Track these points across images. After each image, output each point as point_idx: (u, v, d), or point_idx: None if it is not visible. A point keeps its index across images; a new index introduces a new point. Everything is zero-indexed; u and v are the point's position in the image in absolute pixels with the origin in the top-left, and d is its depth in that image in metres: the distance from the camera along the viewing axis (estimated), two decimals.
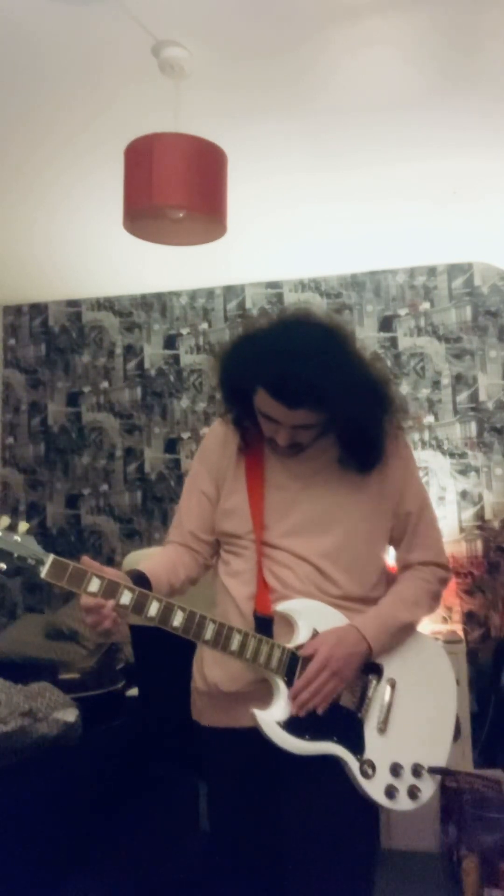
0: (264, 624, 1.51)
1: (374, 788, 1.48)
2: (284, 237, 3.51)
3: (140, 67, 2.15)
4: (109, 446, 4.42)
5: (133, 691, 2.88)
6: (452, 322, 3.91)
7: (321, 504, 1.57)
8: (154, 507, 4.31)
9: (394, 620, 1.55)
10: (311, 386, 1.41)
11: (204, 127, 2.14)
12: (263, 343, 1.50)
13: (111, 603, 1.37)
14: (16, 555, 1.33)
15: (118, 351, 4.44)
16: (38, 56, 2.14)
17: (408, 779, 1.52)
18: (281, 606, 1.51)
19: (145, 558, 2.30)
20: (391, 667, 1.56)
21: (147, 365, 4.39)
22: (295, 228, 3.39)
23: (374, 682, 1.54)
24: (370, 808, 1.51)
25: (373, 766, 1.48)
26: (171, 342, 4.35)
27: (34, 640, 3.78)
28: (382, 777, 1.50)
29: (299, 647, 1.48)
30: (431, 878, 2.70)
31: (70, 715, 2.56)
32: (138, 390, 4.39)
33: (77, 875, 2.48)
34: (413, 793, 1.52)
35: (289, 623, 1.51)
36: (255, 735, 1.46)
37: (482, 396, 3.86)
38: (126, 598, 1.39)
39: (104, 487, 4.40)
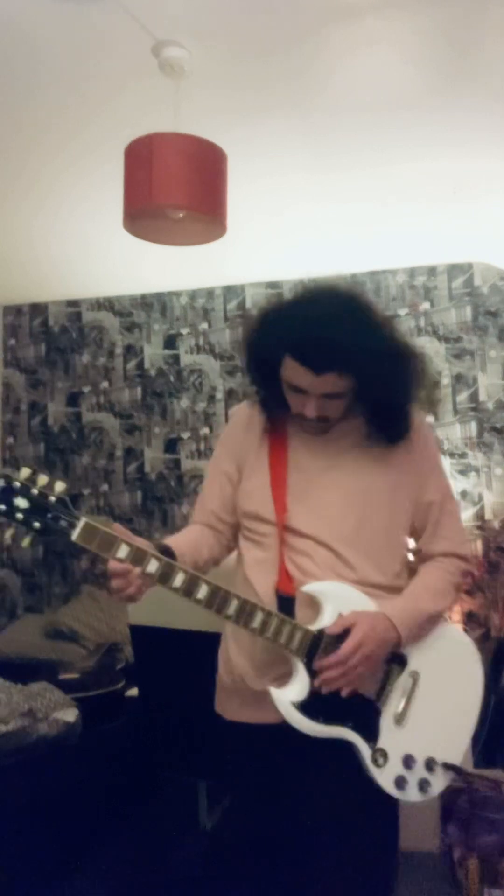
0: (286, 604, 1.50)
1: (383, 777, 1.49)
2: (284, 237, 3.51)
3: (140, 67, 2.15)
4: (109, 446, 4.42)
5: (133, 691, 2.88)
6: (452, 322, 3.91)
7: (342, 488, 1.56)
8: (154, 507, 4.31)
9: (421, 611, 1.54)
10: (337, 348, 1.41)
11: (204, 127, 2.14)
12: (287, 312, 1.51)
13: (138, 570, 1.39)
14: (50, 514, 1.34)
15: (118, 351, 4.44)
16: (38, 56, 2.14)
17: (419, 772, 1.52)
18: (308, 587, 1.49)
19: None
20: (416, 659, 1.56)
21: (147, 365, 4.39)
22: (295, 228, 3.39)
23: (396, 672, 1.54)
24: (390, 806, 1.51)
25: (385, 756, 1.49)
26: (171, 342, 4.35)
27: (34, 640, 3.79)
28: (393, 767, 1.50)
29: (322, 630, 1.47)
30: (431, 878, 2.70)
31: (70, 715, 2.56)
32: (138, 390, 4.39)
33: (77, 875, 2.48)
34: (423, 786, 1.53)
35: (313, 605, 1.50)
36: (279, 731, 1.46)
37: (482, 396, 3.86)
38: (153, 566, 1.40)
39: (104, 487, 4.40)
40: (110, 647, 3.53)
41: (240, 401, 4.15)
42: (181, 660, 2.28)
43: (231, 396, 4.22)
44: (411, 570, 1.65)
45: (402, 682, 1.54)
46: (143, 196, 2.08)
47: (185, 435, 4.29)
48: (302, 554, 1.54)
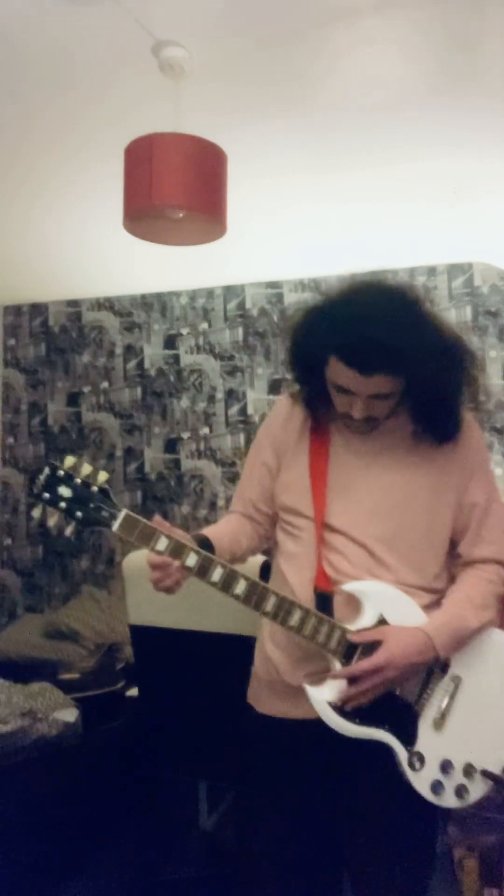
0: (324, 601, 1.47)
1: (419, 781, 1.46)
2: (284, 237, 3.51)
3: (140, 67, 2.15)
4: (109, 446, 4.42)
5: (133, 691, 2.88)
6: (452, 322, 3.91)
7: (382, 487, 1.52)
8: (154, 507, 4.30)
9: (465, 627, 1.50)
10: (385, 349, 1.35)
11: (204, 126, 2.14)
12: (333, 310, 1.45)
13: (177, 563, 1.39)
14: (92, 504, 1.36)
15: (118, 351, 4.44)
16: (37, 56, 2.14)
17: (457, 777, 1.49)
18: (348, 586, 1.47)
19: (146, 558, 2.30)
20: (459, 665, 1.52)
21: (147, 365, 4.39)
22: (295, 228, 3.39)
23: (438, 676, 1.50)
24: (427, 805, 1.48)
25: (422, 759, 1.46)
26: (171, 342, 4.35)
27: (34, 640, 3.79)
28: (430, 771, 1.47)
29: (361, 630, 1.45)
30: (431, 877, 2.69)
31: (70, 715, 2.56)
32: (138, 390, 4.39)
33: (77, 875, 2.48)
34: (460, 792, 1.49)
35: (353, 604, 1.47)
36: (315, 727, 1.44)
37: (482, 396, 3.85)
38: (192, 560, 1.40)
39: None
40: (110, 647, 3.53)
41: (239, 401, 4.18)
42: (181, 660, 2.28)
43: (231, 396, 4.22)
44: (451, 574, 1.60)
45: (444, 686, 1.51)
46: (142, 196, 2.08)
47: (185, 435, 4.29)
48: (336, 552, 1.51)
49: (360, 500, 1.52)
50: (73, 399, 4.51)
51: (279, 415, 1.66)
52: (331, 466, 1.55)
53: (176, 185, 2.06)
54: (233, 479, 4.18)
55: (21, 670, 3.19)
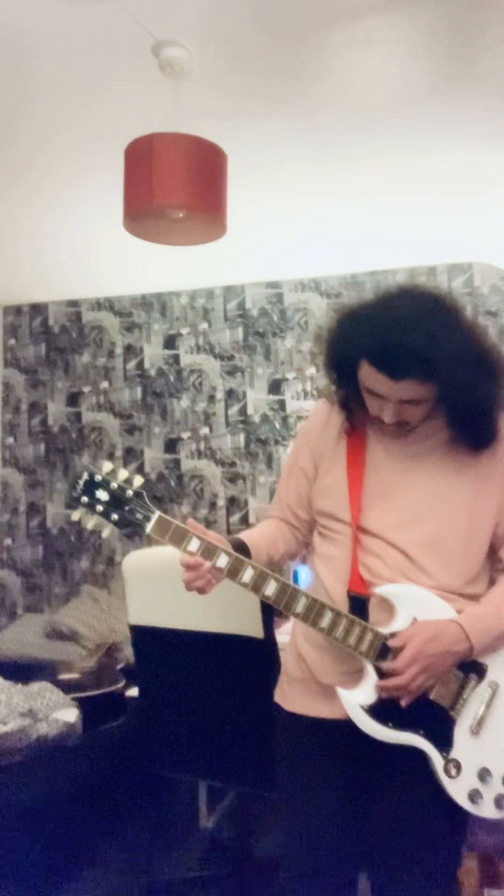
0: (358, 604, 1.47)
1: (456, 789, 1.43)
2: (284, 237, 3.51)
3: (140, 67, 2.15)
4: (109, 446, 4.42)
5: (133, 691, 2.88)
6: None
7: (421, 491, 1.51)
8: (154, 507, 4.30)
9: (500, 621, 1.48)
10: (415, 354, 1.35)
11: (204, 127, 2.14)
12: (366, 315, 1.45)
13: (208, 564, 1.41)
14: (128, 507, 1.42)
15: (118, 351, 4.44)
16: (37, 56, 2.14)
17: (496, 787, 1.46)
18: (381, 589, 1.46)
19: (145, 558, 2.31)
20: (497, 670, 1.49)
21: (147, 365, 4.39)
22: (295, 228, 3.39)
23: (474, 681, 1.48)
24: (456, 810, 1.45)
25: (458, 767, 1.43)
26: (171, 342, 4.35)
27: (34, 640, 3.79)
28: (468, 780, 1.44)
29: (394, 633, 1.44)
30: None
31: (70, 715, 2.57)
32: (138, 390, 4.39)
33: (77, 875, 2.48)
34: (500, 802, 1.46)
35: (388, 607, 1.46)
36: (338, 727, 1.44)
37: None
38: (223, 561, 1.42)
39: None
40: (110, 647, 3.53)
41: (239, 401, 4.18)
42: (181, 660, 2.28)
43: (231, 396, 4.22)
44: (491, 581, 1.58)
45: (481, 692, 1.48)
46: (143, 196, 2.08)
47: (185, 435, 4.29)
48: (373, 555, 1.50)
49: (398, 504, 1.51)
50: (73, 399, 4.51)
51: (317, 419, 1.66)
52: (368, 470, 1.54)
53: (176, 185, 2.06)
54: (233, 479, 4.19)
55: (21, 670, 3.18)
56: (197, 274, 4.06)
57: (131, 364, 4.42)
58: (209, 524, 4.19)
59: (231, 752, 2.22)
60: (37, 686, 2.64)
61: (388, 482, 1.53)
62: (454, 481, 1.51)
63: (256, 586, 1.43)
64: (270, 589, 1.43)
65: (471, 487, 1.51)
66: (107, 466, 1.44)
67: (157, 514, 1.43)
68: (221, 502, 4.20)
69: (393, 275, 3.99)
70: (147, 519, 1.43)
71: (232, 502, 4.18)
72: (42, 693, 2.59)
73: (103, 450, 4.43)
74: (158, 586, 2.22)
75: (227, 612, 2.10)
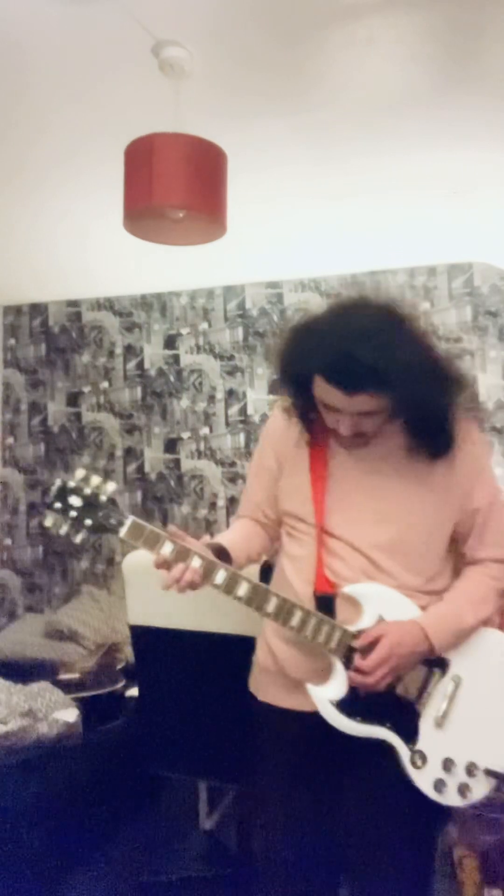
0: (325, 603, 1.51)
1: (422, 780, 1.49)
2: (284, 237, 3.51)
3: (140, 67, 2.15)
4: (109, 446, 4.42)
5: (133, 691, 2.88)
6: (452, 322, 3.91)
7: (382, 494, 1.54)
8: (154, 507, 4.30)
9: (460, 620, 1.53)
10: (368, 368, 1.36)
11: (204, 127, 2.14)
12: (317, 329, 1.47)
13: (181, 565, 1.45)
14: (101, 512, 1.44)
15: (118, 351, 4.44)
16: (37, 56, 2.14)
17: (459, 776, 1.51)
18: (348, 589, 1.50)
19: (146, 558, 2.31)
20: (459, 663, 1.55)
21: (147, 365, 4.39)
22: (295, 228, 3.39)
23: (438, 675, 1.53)
24: (424, 801, 1.50)
25: (423, 758, 1.49)
26: (171, 342, 4.35)
27: (34, 640, 3.79)
28: (433, 770, 1.49)
29: (360, 631, 1.48)
30: (432, 877, 2.69)
31: (70, 715, 2.57)
32: (138, 390, 4.39)
33: (77, 875, 2.48)
34: (463, 791, 1.52)
35: (354, 605, 1.50)
36: (312, 719, 1.47)
37: (482, 396, 3.86)
38: (196, 563, 1.45)
39: None
40: (110, 647, 3.53)
41: (239, 401, 4.18)
42: (181, 660, 2.28)
43: (231, 396, 4.22)
44: (456, 571, 1.63)
45: (444, 685, 1.53)
46: (143, 196, 2.08)
47: (185, 435, 4.29)
48: (337, 557, 1.54)
49: (359, 508, 1.55)
50: (73, 399, 4.51)
51: (277, 425, 1.68)
52: (331, 473, 1.58)
53: (176, 185, 2.06)
54: (233, 479, 4.19)
55: (21, 670, 3.19)
56: (197, 274, 4.06)
57: (131, 364, 4.42)
58: (209, 524, 4.20)
59: (231, 751, 2.22)
60: (37, 686, 2.64)
61: (350, 486, 1.56)
62: (414, 485, 1.54)
63: (228, 588, 1.47)
64: (242, 590, 1.47)
65: (430, 490, 1.55)
66: (79, 473, 1.46)
67: (130, 519, 1.45)
68: (221, 502, 4.20)
69: (393, 275, 4.00)
70: (121, 524, 1.45)
71: (232, 502, 4.18)
72: (42, 693, 2.59)
73: (103, 450, 4.43)
74: (158, 586, 2.22)
75: (227, 612, 2.10)
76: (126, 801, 2.81)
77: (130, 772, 2.73)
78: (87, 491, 1.45)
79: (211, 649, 2.19)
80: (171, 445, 4.31)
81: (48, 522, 1.47)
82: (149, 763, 2.47)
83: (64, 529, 1.45)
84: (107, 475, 4.39)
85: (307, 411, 1.57)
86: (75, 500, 1.44)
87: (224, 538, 1.63)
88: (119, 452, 4.40)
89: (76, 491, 1.45)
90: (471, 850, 2.57)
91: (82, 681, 3.03)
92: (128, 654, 3.38)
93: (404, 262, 3.93)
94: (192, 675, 2.26)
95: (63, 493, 1.45)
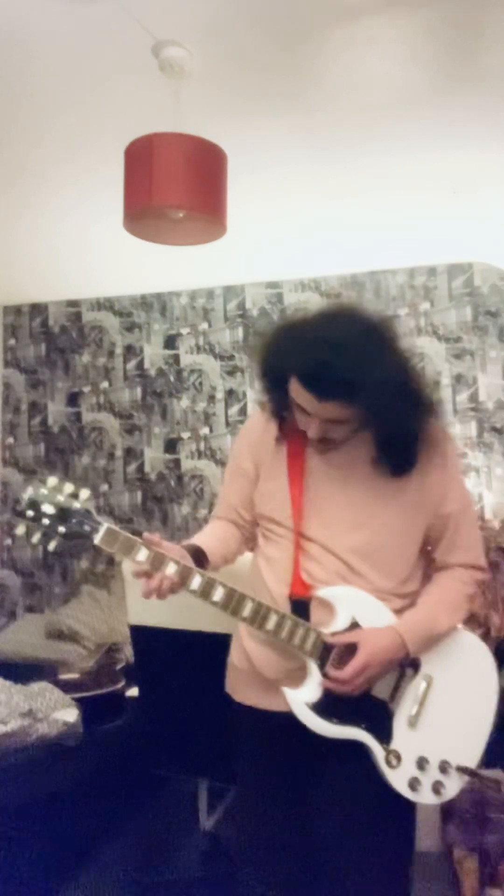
0: (300, 607, 1.52)
1: (397, 779, 1.50)
2: (284, 237, 3.51)
3: (140, 67, 2.15)
4: (109, 446, 4.42)
5: (133, 691, 2.88)
6: (452, 322, 3.91)
7: (357, 498, 1.56)
8: (154, 507, 4.31)
9: (435, 625, 1.56)
10: (342, 379, 1.38)
11: (204, 127, 2.14)
12: (302, 331, 1.48)
13: (159, 574, 1.45)
14: (74, 519, 1.42)
15: (118, 351, 4.44)
16: (37, 56, 2.14)
17: (433, 774, 1.53)
18: (321, 592, 1.52)
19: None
20: (430, 663, 1.57)
21: (147, 365, 4.39)
22: (295, 228, 3.39)
23: (410, 675, 1.55)
24: (403, 801, 1.52)
25: (398, 757, 1.50)
26: (171, 342, 4.35)
27: (34, 640, 3.79)
28: (407, 769, 1.51)
29: (335, 633, 1.50)
30: (431, 878, 2.70)
31: (70, 715, 2.56)
32: (138, 390, 4.39)
33: (77, 875, 2.48)
34: (437, 788, 1.53)
35: (328, 608, 1.52)
36: (286, 720, 1.48)
37: (482, 396, 3.86)
38: (171, 569, 1.45)
39: (104, 487, 4.40)
40: (110, 647, 3.53)
41: (240, 401, 4.18)
42: (181, 660, 2.28)
43: (231, 396, 4.22)
44: (426, 575, 1.65)
45: (416, 685, 1.55)
46: (143, 196, 2.08)
47: (185, 435, 4.29)
48: (314, 560, 1.56)
49: (336, 512, 1.57)
50: (73, 399, 4.51)
51: (256, 425, 1.70)
52: (307, 478, 1.59)
53: (176, 185, 2.06)
54: None
55: (21, 670, 3.19)
56: (197, 274, 4.06)
57: (131, 364, 4.42)
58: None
59: (231, 751, 2.22)
60: (37, 686, 2.64)
61: (327, 490, 1.58)
62: (389, 490, 1.56)
63: (204, 593, 1.47)
64: (217, 595, 1.47)
65: (403, 494, 1.57)
66: (52, 481, 1.45)
67: (105, 526, 1.44)
68: None
69: (393, 275, 4.00)
70: (95, 531, 1.43)
71: None
72: (42, 693, 2.59)
73: (103, 450, 4.43)
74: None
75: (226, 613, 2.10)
76: (126, 801, 2.81)
77: (130, 772, 2.73)
78: (60, 498, 1.43)
79: (211, 649, 2.18)
80: (171, 445, 4.31)
81: (19, 531, 1.45)
82: (149, 763, 2.47)
83: (37, 538, 1.44)
84: (107, 475, 4.40)
85: (281, 409, 1.59)
86: (48, 508, 1.43)
87: (200, 539, 1.64)
88: (119, 452, 4.40)
89: (49, 498, 1.43)
90: (471, 850, 2.58)
91: (82, 681, 3.03)
92: (128, 654, 3.38)
93: (404, 262, 3.94)
94: (192, 675, 2.26)
95: (36, 500, 1.43)
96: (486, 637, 3.76)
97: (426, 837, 2.84)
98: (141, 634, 2.35)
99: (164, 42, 2.07)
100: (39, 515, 1.43)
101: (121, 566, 2.40)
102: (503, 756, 3.14)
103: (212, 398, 4.25)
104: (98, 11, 1.94)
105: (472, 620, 3.69)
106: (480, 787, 2.60)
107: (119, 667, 3.31)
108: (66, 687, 2.78)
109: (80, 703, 2.67)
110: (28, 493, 1.44)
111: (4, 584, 4.57)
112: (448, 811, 2.76)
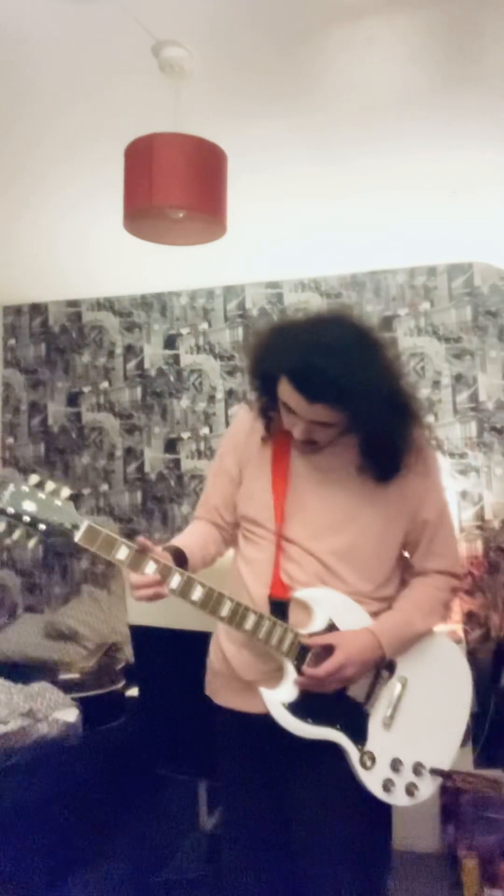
0: (280, 608, 1.54)
1: (371, 780, 1.51)
2: (284, 237, 3.51)
3: (140, 67, 2.15)
4: (109, 446, 4.42)
5: (133, 691, 2.88)
6: (452, 322, 3.91)
7: (338, 501, 1.58)
8: (154, 507, 4.31)
9: (410, 630, 1.58)
10: (333, 382, 1.41)
11: (204, 127, 2.14)
12: (295, 334, 1.51)
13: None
14: (56, 517, 1.44)
15: (118, 351, 4.44)
16: (37, 56, 2.14)
17: (407, 775, 1.55)
18: (300, 593, 1.54)
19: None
20: (405, 666, 1.59)
21: (147, 365, 4.39)
22: (295, 228, 3.39)
23: (385, 677, 1.57)
24: (379, 802, 1.53)
25: (373, 758, 1.51)
26: (171, 342, 4.35)
27: (34, 640, 3.79)
28: (381, 770, 1.52)
29: (312, 634, 1.51)
30: (431, 878, 2.70)
31: (70, 715, 2.57)
32: (138, 390, 4.39)
33: (77, 875, 2.48)
34: (410, 790, 1.55)
35: (306, 610, 1.53)
36: (266, 722, 1.49)
37: (482, 396, 3.86)
38: (150, 569, 1.48)
39: (104, 487, 4.40)
40: (110, 647, 3.53)
41: (239, 401, 4.18)
42: (181, 660, 2.27)
43: (231, 396, 4.22)
44: (403, 580, 1.68)
45: (391, 687, 1.57)
46: (143, 196, 2.08)
47: (185, 435, 4.29)
48: (293, 562, 1.58)
49: (316, 514, 1.59)
50: (73, 399, 4.51)
51: (241, 425, 1.71)
52: (291, 480, 1.61)
53: (176, 185, 2.06)
54: None
55: (21, 670, 3.19)
56: (197, 274, 4.06)
57: (131, 364, 4.42)
58: None
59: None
60: (37, 686, 2.64)
61: (308, 493, 1.60)
62: (370, 495, 1.58)
63: (183, 592, 1.49)
64: (196, 594, 1.49)
65: (383, 498, 1.59)
66: (33, 478, 1.46)
67: (85, 524, 1.45)
68: None
69: (393, 275, 4.00)
70: (76, 528, 1.45)
71: None
72: (42, 693, 2.59)
73: (103, 450, 4.43)
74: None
75: None
76: (126, 801, 2.81)
77: (130, 772, 2.73)
78: (41, 496, 1.44)
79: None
80: (171, 445, 4.32)
81: None
82: (149, 763, 2.48)
83: (17, 535, 1.44)
84: (107, 475, 4.40)
85: (268, 409, 1.61)
86: (29, 505, 1.43)
87: (180, 541, 1.65)
88: (119, 452, 4.40)
89: (30, 495, 1.44)
90: (471, 850, 2.58)
91: (82, 681, 3.03)
92: (128, 654, 3.38)
93: (404, 262, 3.93)
94: (192, 675, 2.26)
95: (17, 497, 1.44)
96: (486, 637, 3.77)
97: (426, 837, 2.84)
98: (141, 634, 2.35)
99: (164, 42, 2.07)
100: (21, 512, 1.43)
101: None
102: (503, 756, 3.14)
103: (212, 398, 4.25)
104: (98, 11, 1.94)
105: (472, 620, 3.70)
106: (481, 787, 2.60)
107: (119, 667, 3.31)
108: (66, 687, 2.78)
109: (80, 703, 2.67)
110: (9, 489, 1.44)
111: (4, 584, 4.57)
112: (448, 811, 2.76)
